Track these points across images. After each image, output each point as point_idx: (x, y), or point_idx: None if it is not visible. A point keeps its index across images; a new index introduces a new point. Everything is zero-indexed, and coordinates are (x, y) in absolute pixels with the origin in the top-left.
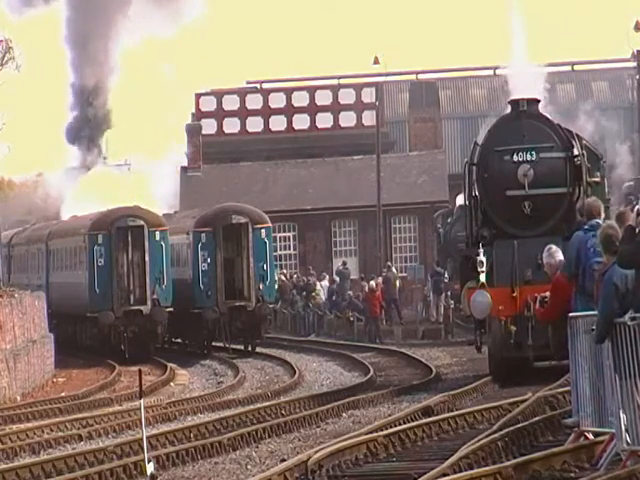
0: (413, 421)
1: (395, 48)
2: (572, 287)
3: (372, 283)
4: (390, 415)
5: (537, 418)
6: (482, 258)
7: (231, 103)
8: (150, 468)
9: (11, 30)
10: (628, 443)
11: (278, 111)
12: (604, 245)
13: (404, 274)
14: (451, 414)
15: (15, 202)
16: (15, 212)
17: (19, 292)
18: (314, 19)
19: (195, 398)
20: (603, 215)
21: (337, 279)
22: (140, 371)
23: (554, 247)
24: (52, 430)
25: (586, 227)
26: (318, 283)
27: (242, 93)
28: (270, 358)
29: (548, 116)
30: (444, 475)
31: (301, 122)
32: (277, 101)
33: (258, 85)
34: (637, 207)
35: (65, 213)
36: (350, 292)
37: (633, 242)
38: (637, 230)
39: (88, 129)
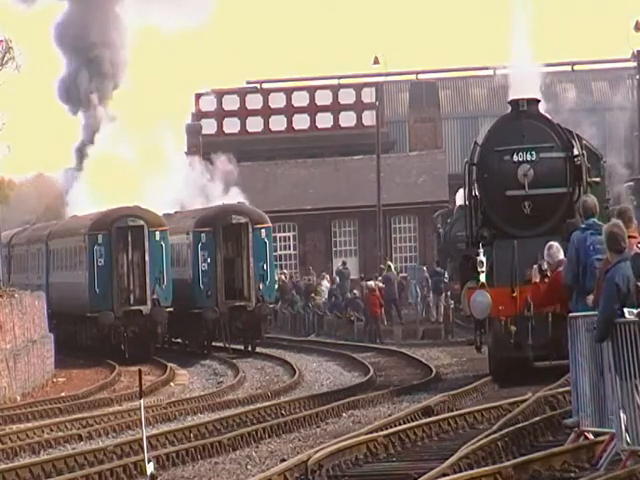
0: (413, 421)
1: (395, 48)
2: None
3: (371, 283)
4: (390, 415)
5: (537, 418)
6: (482, 258)
7: (231, 103)
8: (150, 468)
9: (11, 30)
10: (628, 443)
11: (278, 111)
12: (609, 243)
13: (404, 274)
14: (451, 414)
15: (17, 202)
16: (17, 211)
17: (19, 292)
18: (314, 19)
19: (195, 398)
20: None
21: (337, 279)
22: (140, 371)
23: (555, 246)
24: (52, 430)
25: (583, 226)
26: (322, 282)
27: (242, 93)
28: (270, 358)
29: (548, 116)
30: (444, 475)
31: (301, 122)
32: (277, 101)
33: (258, 85)
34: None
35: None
36: (355, 291)
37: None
38: None
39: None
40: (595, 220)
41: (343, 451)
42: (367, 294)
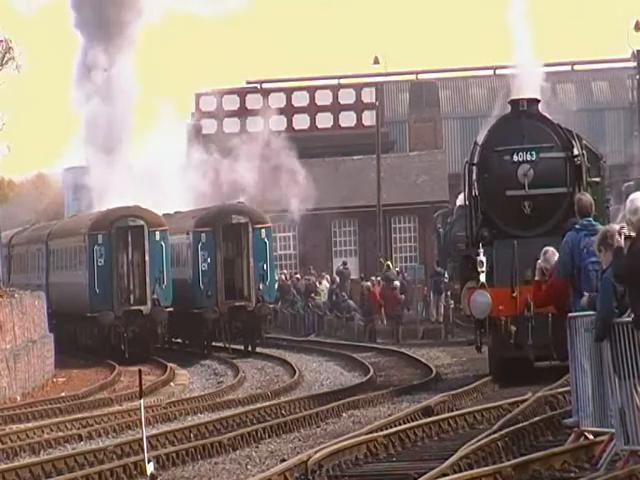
0: (413, 421)
1: (395, 48)
2: (568, 288)
3: (396, 283)
4: (390, 415)
5: (537, 418)
6: (482, 258)
7: (231, 103)
8: (150, 468)
9: (11, 30)
10: (628, 443)
11: (278, 111)
12: (602, 242)
13: (404, 274)
14: (451, 414)
15: (17, 202)
16: (17, 211)
17: (19, 292)
18: (314, 19)
19: (195, 398)
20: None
21: (337, 279)
22: (140, 371)
23: (550, 250)
24: (52, 430)
25: (577, 227)
26: (323, 282)
27: (242, 93)
28: (270, 358)
29: (548, 116)
30: (444, 475)
31: (301, 122)
32: (277, 101)
33: (258, 85)
34: (621, 229)
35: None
36: (344, 295)
37: (626, 255)
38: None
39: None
40: (590, 220)
41: (343, 451)
42: (389, 293)
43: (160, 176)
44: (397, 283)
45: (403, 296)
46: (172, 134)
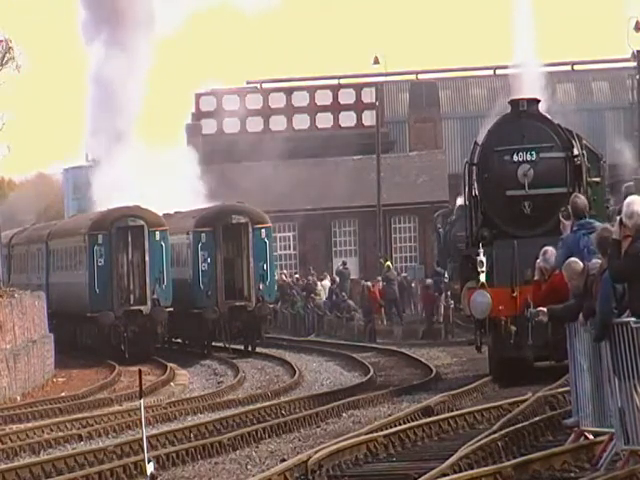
0: (413, 421)
1: (395, 48)
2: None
3: (429, 280)
4: (390, 415)
5: (537, 418)
6: (482, 258)
7: (231, 103)
8: (150, 468)
9: (12, 30)
10: (628, 443)
11: (278, 111)
12: (600, 247)
13: (404, 274)
14: (451, 414)
15: (17, 202)
16: (17, 211)
17: (19, 292)
18: (314, 19)
19: (195, 398)
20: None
21: (337, 279)
22: (140, 371)
23: (550, 250)
24: (52, 430)
25: (575, 228)
26: (319, 283)
27: (242, 93)
28: (270, 358)
29: (548, 116)
30: (444, 475)
31: (301, 122)
32: (277, 101)
33: (258, 85)
34: (619, 217)
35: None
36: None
37: (623, 257)
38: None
39: None
40: (587, 219)
41: (343, 451)
42: (425, 292)
43: (160, 176)
44: (429, 281)
45: (437, 294)
46: (172, 134)
